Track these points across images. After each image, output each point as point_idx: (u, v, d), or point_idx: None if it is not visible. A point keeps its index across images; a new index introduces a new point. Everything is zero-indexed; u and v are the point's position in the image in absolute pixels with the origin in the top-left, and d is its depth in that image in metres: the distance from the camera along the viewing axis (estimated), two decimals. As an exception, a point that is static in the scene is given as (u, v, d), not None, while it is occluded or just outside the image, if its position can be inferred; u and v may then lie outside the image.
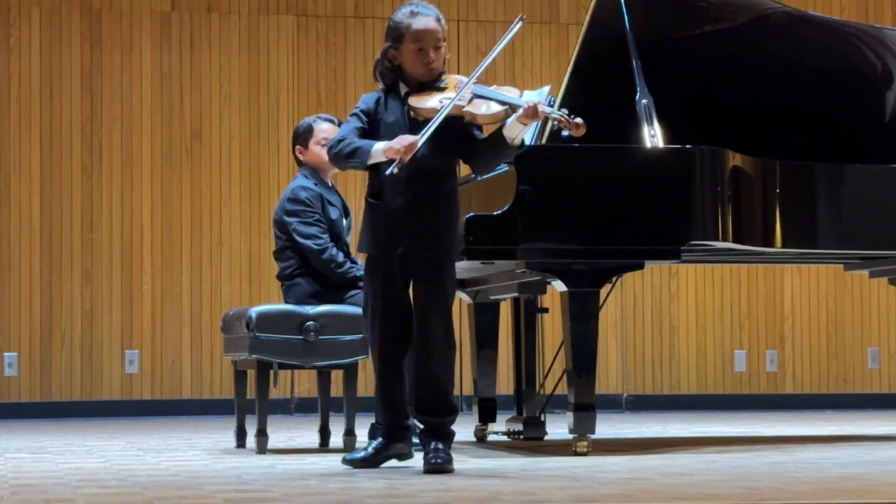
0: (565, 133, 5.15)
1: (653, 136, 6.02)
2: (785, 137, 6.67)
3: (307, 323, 6.16)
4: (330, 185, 6.64)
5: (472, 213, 5.77)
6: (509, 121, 5.12)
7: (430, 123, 5.11)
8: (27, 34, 9.99)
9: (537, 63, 10.61)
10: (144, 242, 10.02)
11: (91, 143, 10.00)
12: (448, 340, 5.26)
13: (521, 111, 5.08)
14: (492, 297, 6.91)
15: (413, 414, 5.34)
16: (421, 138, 5.08)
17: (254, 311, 6.21)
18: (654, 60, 6.23)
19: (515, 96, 5.17)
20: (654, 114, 6.06)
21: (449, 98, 5.14)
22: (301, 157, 6.67)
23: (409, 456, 5.36)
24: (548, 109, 5.13)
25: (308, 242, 6.44)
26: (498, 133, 5.18)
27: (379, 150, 5.12)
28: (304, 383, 9.89)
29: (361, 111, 5.31)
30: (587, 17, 6.34)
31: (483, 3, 10.58)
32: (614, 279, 6.02)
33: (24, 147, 9.92)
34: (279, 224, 6.58)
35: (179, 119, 10.12)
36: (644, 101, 6.09)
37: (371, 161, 5.16)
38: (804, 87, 6.81)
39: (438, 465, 5.14)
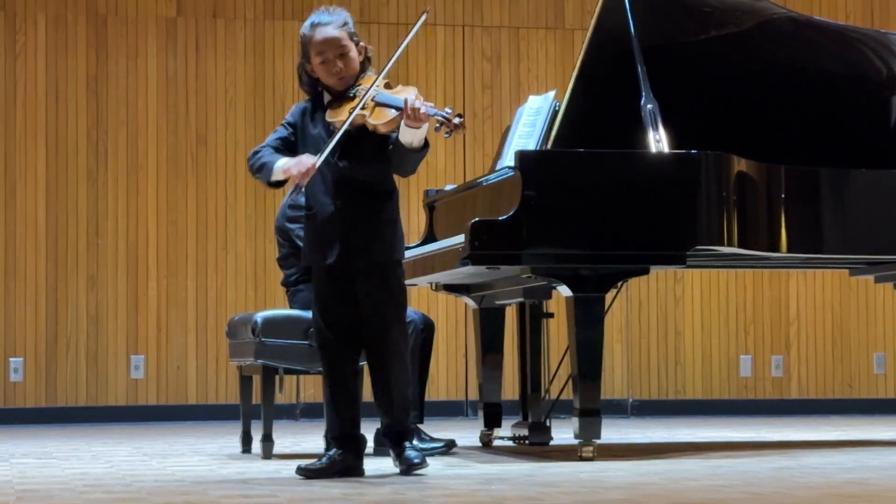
0: (447, 136, 5.13)
1: (658, 141, 6.02)
2: (790, 142, 6.67)
3: (312, 328, 6.15)
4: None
5: (477, 218, 5.77)
6: (401, 126, 5.11)
7: (327, 143, 5.11)
8: (33, 40, 10.01)
9: (542, 68, 10.61)
10: (150, 248, 10.03)
11: (97, 148, 10.01)
12: (405, 342, 5.28)
13: (404, 117, 5.06)
14: (497, 303, 6.91)
15: (383, 418, 5.31)
16: (318, 160, 5.07)
17: (259, 316, 6.22)
18: (659, 65, 6.23)
19: (409, 96, 5.11)
20: (659, 119, 6.06)
21: (356, 108, 5.13)
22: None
23: (360, 473, 5.25)
24: (431, 111, 5.09)
25: (312, 248, 6.43)
26: (398, 140, 5.15)
27: (279, 168, 5.12)
28: (310, 388, 9.89)
29: (288, 123, 5.34)
30: (592, 22, 6.34)
31: (488, 9, 10.58)
32: (620, 284, 6.02)
33: (30, 152, 9.93)
34: (281, 231, 6.58)
35: (185, 124, 10.13)
36: (649, 105, 6.09)
37: (273, 178, 5.15)
38: (809, 92, 6.80)
39: (417, 464, 5.18)
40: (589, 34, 6.31)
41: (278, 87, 10.24)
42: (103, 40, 10.07)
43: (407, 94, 5.13)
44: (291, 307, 6.49)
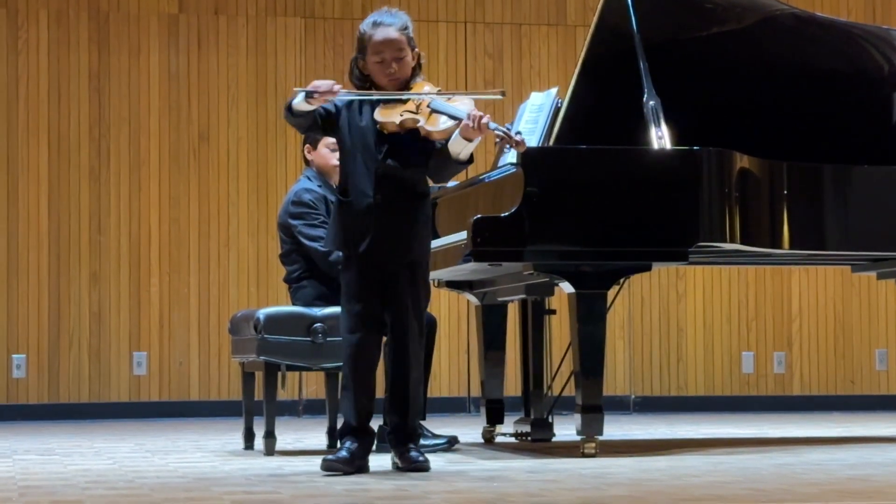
0: (507, 149, 5.16)
1: (660, 137, 6.02)
2: (792, 139, 6.67)
3: (315, 325, 6.16)
4: (335, 186, 6.64)
5: (479, 215, 5.77)
6: (454, 136, 5.15)
7: (371, 94, 5.21)
8: (35, 36, 10.01)
9: (545, 65, 10.61)
10: (152, 244, 10.03)
11: (99, 145, 10.01)
12: (422, 342, 5.32)
13: (462, 127, 5.10)
14: (499, 299, 6.91)
15: (393, 417, 5.32)
16: (344, 96, 5.15)
17: (261, 312, 6.22)
18: (662, 62, 6.23)
19: (468, 108, 5.17)
20: (661, 115, 6.06)
21: (409, 111, 5.18)
22: (308, 157, 6.68)
23: (365, 469, 5.25)
24: (492, 125, 5.12)
25: (314, 245, 6.44)
26: (445, 148, 5.19)
27: (303, 89, 5.12)
28: (312, 385, 9.89)
29: (333, 103, 5.31)
30: (594, 19, 6.34)
31: (490, 5, 10.58)
32: (622, 281, 6.02)
33: (31, 149, 9.94)
34: (284, 227, 6.58)
35: (187, 121, 10.14)
36: (651, 102, 6.09)
37: (296, 101, 5.11)
38: (812, 89, 6.80)
39: (421, 464, 5.19)
40: (591, 31, 6.32)
41: (280, 84, 10.23)
42: (105, 37, 10.07)
43: (466, 106, 5.17)
44: (294, 304, 6.50)
